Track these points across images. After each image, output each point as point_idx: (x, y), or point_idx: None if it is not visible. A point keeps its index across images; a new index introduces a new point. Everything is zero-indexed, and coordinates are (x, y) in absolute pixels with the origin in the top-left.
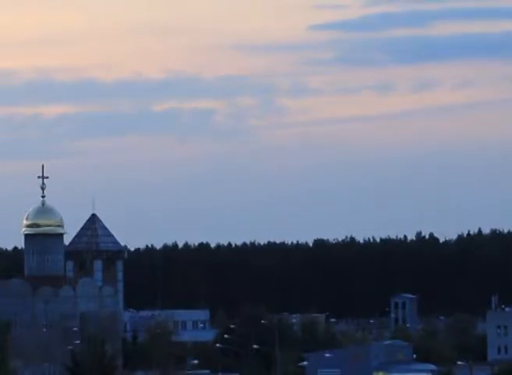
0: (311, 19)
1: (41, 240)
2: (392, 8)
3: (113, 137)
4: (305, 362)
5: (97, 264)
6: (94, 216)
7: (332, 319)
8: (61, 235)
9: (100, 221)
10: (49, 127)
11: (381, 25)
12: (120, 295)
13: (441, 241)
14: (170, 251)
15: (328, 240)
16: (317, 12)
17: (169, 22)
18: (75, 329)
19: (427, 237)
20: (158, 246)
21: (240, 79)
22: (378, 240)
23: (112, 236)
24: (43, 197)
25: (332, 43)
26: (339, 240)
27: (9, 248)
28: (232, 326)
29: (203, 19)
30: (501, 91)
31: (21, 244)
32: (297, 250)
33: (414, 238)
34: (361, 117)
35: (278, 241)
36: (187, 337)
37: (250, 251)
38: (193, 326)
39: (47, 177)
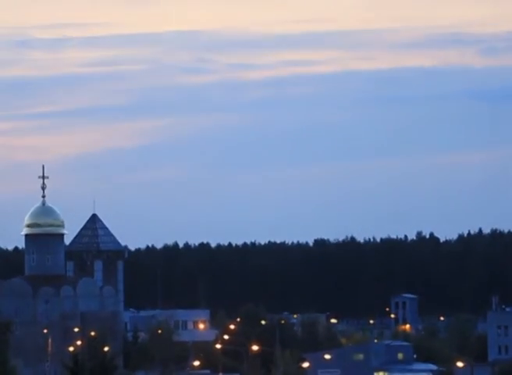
0: None
1: (42, 240)
2: None
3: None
4: (307, 364)
5: (98, 264)
6: (94, 216)
7: (333, 319)
8: (61, 235)
9: (100, 221)
10: None
11: None
12: (121, 295)
13: (441, 241)
14: (171, 251)
15: (328, 239)
16: None
17: None
18: (75, 329)
19: (427, 236)
20: (159, 246)
21: None
22: (378, 240)
23: (113, 236)
24: (43, 197)
25: None
26: (340, 240)
27: (10, 248)
28: (232, 326)
29: None
30: None
31: (22, 244)
32: (298, 250)
33: (415, 238)
34: None
35: (278, 241)
36: (188, 336)
37: (250, 251)
38: (193, 325)
39: (47, 177)
